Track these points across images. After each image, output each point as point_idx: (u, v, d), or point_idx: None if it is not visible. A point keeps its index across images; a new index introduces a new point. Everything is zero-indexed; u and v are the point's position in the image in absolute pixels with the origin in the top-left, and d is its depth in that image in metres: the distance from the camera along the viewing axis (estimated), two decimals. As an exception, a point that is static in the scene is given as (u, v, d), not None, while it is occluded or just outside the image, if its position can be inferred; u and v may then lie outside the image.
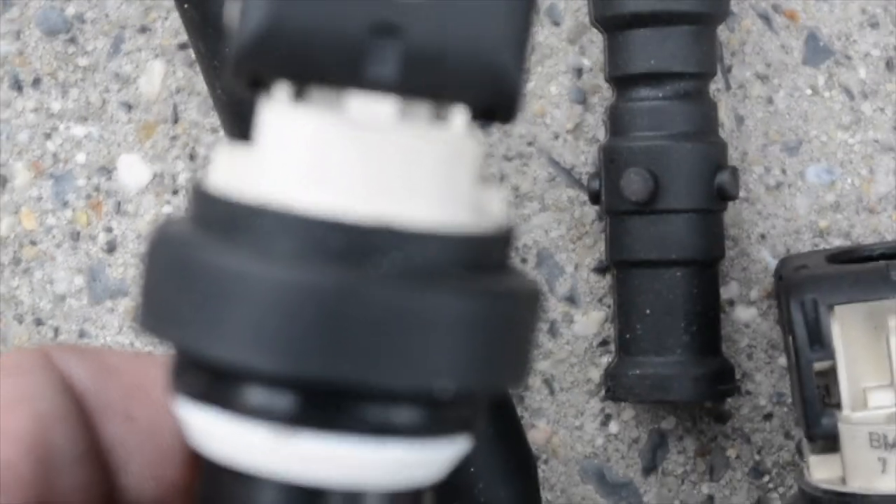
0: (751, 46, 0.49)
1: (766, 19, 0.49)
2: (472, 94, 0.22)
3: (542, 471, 0.49)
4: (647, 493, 0.49)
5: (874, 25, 0.49)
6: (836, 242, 0.48)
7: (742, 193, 0.48)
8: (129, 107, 0.50)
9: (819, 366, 0.38)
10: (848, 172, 0.48)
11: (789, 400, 0.48)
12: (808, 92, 0.49)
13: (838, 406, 0.38)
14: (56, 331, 0.50)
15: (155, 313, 0.22)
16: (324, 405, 0.21)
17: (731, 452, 0.48)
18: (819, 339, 0.38)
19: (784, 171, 0.49)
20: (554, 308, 0.49)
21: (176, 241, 0.22)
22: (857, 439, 0.37)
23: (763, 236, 0.49)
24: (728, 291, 0.48)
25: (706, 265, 0.46)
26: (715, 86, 0.48)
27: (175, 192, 0.50)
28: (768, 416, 0.48)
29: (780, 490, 0.48)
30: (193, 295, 0.21)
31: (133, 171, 0.50)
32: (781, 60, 0.49)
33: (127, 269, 0.50)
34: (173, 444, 0.25)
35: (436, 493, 0.23)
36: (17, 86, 0.50)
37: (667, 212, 0.45)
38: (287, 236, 0.21)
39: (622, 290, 0.46)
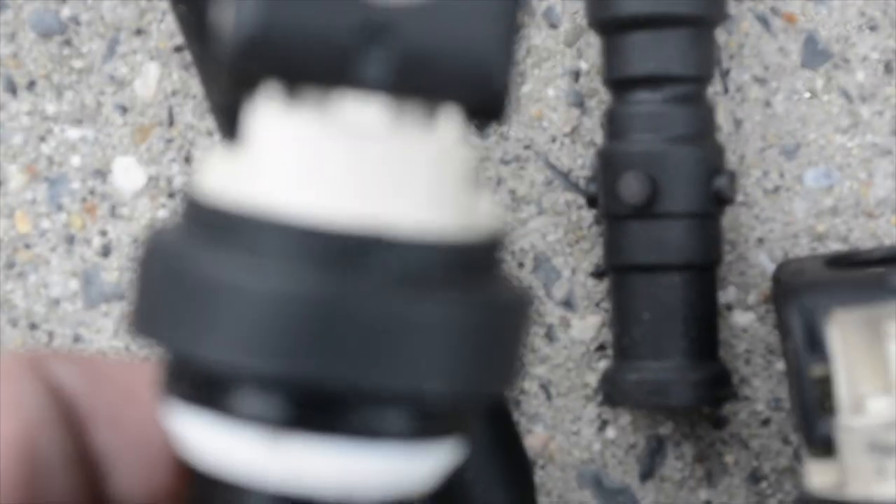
0: (749, 49, 0.49)
1: (764, 22, 0.49)
2: (463, 95, 0.22)
3: (539, 476, 0.48)
4: (644, 498, 0.48)
5: (873, 28, 0.48)
6: (835, 247, 0.48)
7: (740, 197, 0.48)
8: (124, 109, 0.50)
9: (817, 371, 0.38)
10: (846, 176, 0.48)
11: (787, 405, 0.48)
12: (807, 95, 0.48)
13: (836, 412, 0.38)
14: (50, 335, 0.49)
15: (147, 317, 0.22)
16: (314, 409, 0.21)
17: (729, 458, 0.48)
18: (817, 345, 0.38)
19: (782, 175, 0.48)
20: (551, 312, 0.49)
21: (167, 246, 0.22)
22: (855, 445, 0.37)
23: (761, 240, 0.48)
24: (726, 296, 0.48)
25: (704, 269, 0.46)
26: (713, 89, 0.48)
27: (170, 196, 0.49)
28: (766, 422, 0.48)
29: (778, 496, 0.48)
30: (185, 300, 0.21)
31: (128, 175, 0.50)
32: (779, 63, 0.49)
33: (122, 272, 0.49)
34: (163, 450, 0.25)
35: (432, 501, 0.23)
36: (12, 88, 0.50)
37: (664, 216, 0.45)
38: (277, 241, 0.21)
39: (619, 295, 0.46)
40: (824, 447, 0.38)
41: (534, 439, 0.49)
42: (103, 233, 0.50)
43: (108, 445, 0.25)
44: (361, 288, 0.20)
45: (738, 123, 0.49)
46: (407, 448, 0.22)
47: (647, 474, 0.49)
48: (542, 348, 0.49)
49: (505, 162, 0.49)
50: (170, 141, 0.50)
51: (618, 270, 0.46)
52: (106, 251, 0.50)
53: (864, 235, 0.48)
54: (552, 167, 0.49)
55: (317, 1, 0.21)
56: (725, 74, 0.49)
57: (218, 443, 0.22)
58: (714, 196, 0.45)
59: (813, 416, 0.38)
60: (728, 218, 0.48)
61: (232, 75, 0.21)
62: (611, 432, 0.48)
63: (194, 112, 0.49)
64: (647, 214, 0.44)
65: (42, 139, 0.50)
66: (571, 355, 0.49)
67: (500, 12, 0.21)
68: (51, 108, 0.50)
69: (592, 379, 0.48)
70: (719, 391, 0.45)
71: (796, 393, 0.39)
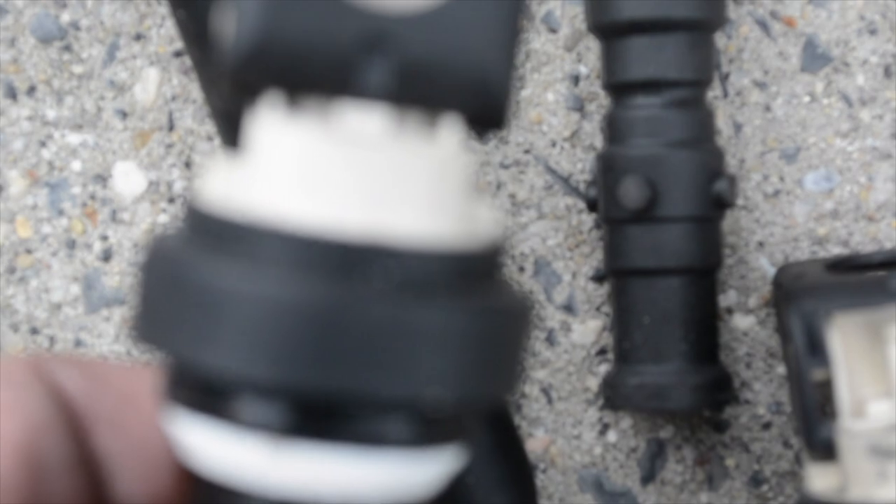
0: (748, 53, 0.49)
1: (763, 26, 0.49)
2: (463, 104, 0.22)
3: (541, 480, 0.48)
4: (645, 502, 0.48)
5: (872, 32, 0.48)
6: (835, 250, 0.48)
7: (740, 201, 0.48)
8: (124, 114, 0.50)
9: (818, 375, 0.38)
10: (846, 180, 0.48)
11: (788, 409, 0.48)
12: (807, 99, 0.48)
13: (837, 415, 0.38)
14: (52, 340, 0.49)
15: (150, 324, 0.22)
16: (316, 417, 0.21)
17: (730, 461, 0.48)
18: (817, 349, 0.38)
19: (782, 179, 0.48)
20: (551, 317, 0.49)
21: (169, 253, 0.22)
22: (856, 448, 0.37)
23: (761, 244, 0.48)
24: (726, 299, 0.48)
25: (704, 273, 0.46)
26: (712, 93, 0.48)
27: (171, 201, 0.49)
28: (767, 425, 0.48)
29: (780, 499, 0.48)
30: (187, 307, 0.21)
31: (129, 180, 0.50)
32: (779, 67, 0.49)
33: (123, 277, 0.49)
34: (165, 453, 0.25)
35: None
36: (12, 94, 0.50)
37: (664, 220, 0.45)
38: (278, 250, 0.21)
39: (620, 299, 0.46)
40: (825, 451, 0.38)
41: (535, 443, 0.49)
42: (104, 237, 0.50)
43: (110, 449, 0.25)
44: (363, 296, 0.21)
45: (737, 127, 0.49)
46: (409, 455, 0.22)
47: (648, 478, 0.49)
48: (543, 352, 0.49)
49: (505, 166, 0.49)
50: (170, 146, 0.50)
51: (618, 275, 0.46)
52: (107, 256, 0.50)
53: (865, 239, 0.48)
54: (552, 171, 0.49)
55: (317, 10, 0.21)
56: (725, 78, 0.49)
57: (220, 449, 0.22)
58: (714, 200, 0.45)
59: (814, 419, 0.38)
60: (728, 222, 0.48)
61: (234, 84, 0.22)
62: (612, 436, 0.49)
63: (194, 117, 0.49)
64: (646, 219, 0.44)
65: (42, 144, 0.50)
66: (572, 359, 0.49)
67: (500, 21, 0.22)
68: (51, 114, 0.50)
69: (593, 383, 0.48)
70: (720, 395, 0.45)
71: (797, 396, 0.39)
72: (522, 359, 0.22)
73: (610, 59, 0.46)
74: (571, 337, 0.49)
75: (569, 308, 0.49)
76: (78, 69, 0.50)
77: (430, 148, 0.21)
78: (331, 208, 0.21)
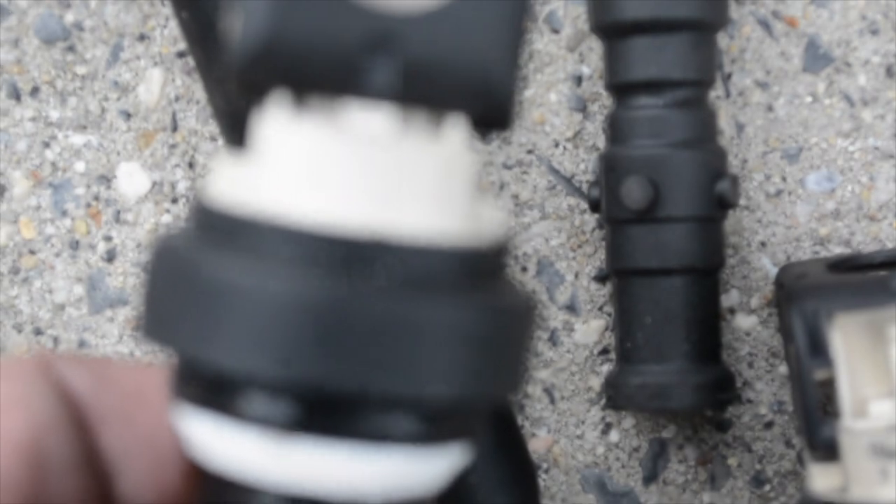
0: (750, 53, 0.49)
1: (765, 26, 0.49)
2: (468, 104, 0.22)
3: (543, 480, 0.49)
4: (647, 501, 0.48)
5: (874, 32, 0.49)
6: (837, 250, 0.48)
7: (742, 201, 0.48)
8: (127, 115, 0.50)
9: (819, 375, 0.38)
10: (848, 180, 0.48)
11: (790, 408, 0.48)
12: (808, 99, 0.49)
13: (839, 415, 0.38)
14: (55, 340, 0.50)
15: (156, 321, 0.22)
16: (321, 413, 0.21)
17: (732, 461, 0.48)
18: (819, 348, 0.38)
19: (784, 179, 0.49)
20: (554, 317, 0.49)
21: (176, 250, 0.22)
22: (857, 448, 0.37)
23: (763, 244, 0.48)
24: (728, 299, 0.48)
25: (706, 273, 0.46)
26: (715, 93, 0.48)
27: (174, 201, 0.50)
28: (769, 425, 0.48)
29: (782, 499, 0.48)
30: (194, 304, 0.21)
31: (132, 180, 0.50)
32: (781, 67, 0.49)
33: (127, 277, 0.50)
34: (172, 451, 0.25)
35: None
36: (16, 94, 0.50)
37: (667, 220, 0.45)
38: (284, 246, 0.21)
39: (622, 299, 0.46)
40: (827, 450, 0.38)
41: (538, 443, 0.49)
42: (108, 238, 0.50)
43: (116, 447, 0.25)
44: (367, 293, 0.21)
45: (740, 127, 0.49)
46: (413, 452, 0.22)
47: (650, 477, 0.49)
48: (546, 352, 0.49)
49: (507, 167, 0.49)
50: (173, 146, 0.50)
51: (620, 275, 0.46)
52: (110, 256, 0.50)
53: (867, 239, 0.48)
54: (555, 172, 0.49)
55: (323, 10, 0.21)
56: (727, 79, 0.49)
57: (226, 444, 0.22)
58: (716, 200, 0.45)
59: (815, 419, 0.38)
60: (730, 222, 0.48)
61: (240, 83, 0.22)
62: (614, 436, 0.49)
63: (198, 117, 0.50)
64: (649, 219, 0.45)
65: (46, 145, 0.50)
66: (575, 359, 0.49)
67: (504, 21, 0.22)
68: (55, 114, 0.50)
69: (596, 383, 0.49)
70: (722, 394, 0.45)
71: (799, 396, 0.39)
72: (526, 358, 0.23)
73: (612, 60, 0.46)
74: (574, 337, 0.49)
75: (571, 308, 0.49)
76: (81, 70, 0.50)
77: (434, 147, 0.22)
78: (335, 205, 0.21)
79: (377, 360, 0.21)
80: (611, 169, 0.45)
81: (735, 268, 0.48)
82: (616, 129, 0.46)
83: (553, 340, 0.49)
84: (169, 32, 0.50)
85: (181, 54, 0.49)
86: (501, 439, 0.46)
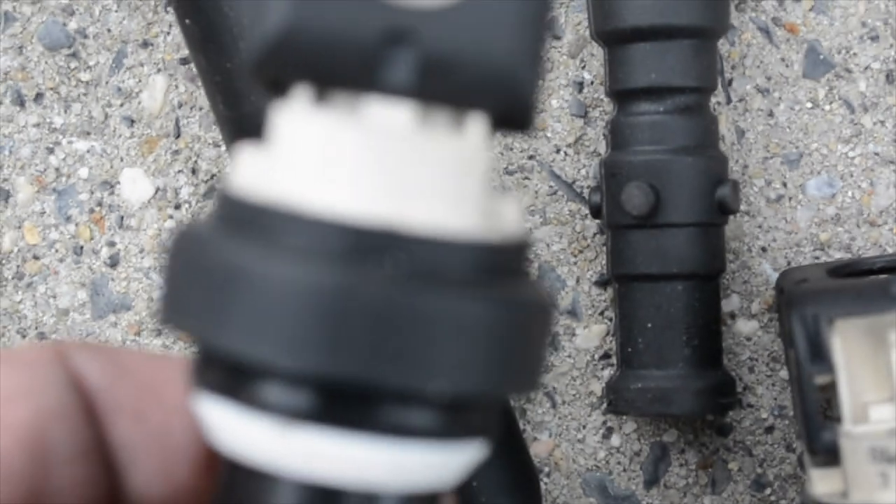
0: (751, 60, 0.49)
1: (766, 32, 0.49)
2: (488, 102, 0.22)
3: (545, 484, 0.49)
4: (649, 505, 0.49)
5: (874, 38, 0.49)
6: (837, 255, 0.48)
7: (743, 206, 0.48)
8: (131, 121, 0.50)
9: (820, 379, 0.38)
10: (848, 185, 0.49)
11: (791, 413, 0.48)
12: (809, 105, 0.49)
13: (839, 420, 0.38)
14: (59, 345, 0.50)
15: (174, 307, 0.22)
16: (337, 403, 0.21)
17: (733, 465, 0.49)
18: (820, 353, 0.38)
19: (785, 184, 0.49)
20: (556, 321, 0.49)
21: (196, 237, 0.22)
22: (858, 453, 0.37)
23: (764, 249, 0.49)
24: (729, 304, 0.48)
25: (707, 278, 0.46)
26: (715, 99, 0.48)
27: (177, 207, 0.50)
28: (770, 429, 0.48)
29: (782, 503, 0.48)
30: (211, 290, 0.21)
31: (135, 186, 0.50)
32: (782, 73, 0.49)
33: (130, 283, 0.50)
34: (184, 445, 0.25)
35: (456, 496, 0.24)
36: (20, 101, 0.50)
37: (668, 226, 0.45)
38: (303, 236, 0.21)
39: (623, 304, 0.46)
40: (827, 455, 0.38)
41: (539, 447, 0.49)
42: (111, 243, 0.50)
43: (128, 438, 0.25)
44: (385, 284, 0.21)
45: (740, 133, 0.49)
46: (432, 445, 0.22)
47: (651, 481, 0.49)
48: (548, 357, 0.49)
49: (509, 172, 0.49)
50: (177, 152, 0.50)
51: (621, 280, 0.46)
52: (114, 262, 0.50)
53: (867, 244, 0.48)
54: (556, 177, 0.49)
55: (342, 4, 0.21)
56: (728, 85, 0.49)
57: (244, 431, 0.22)
58: (717, 206, 0.45)
59: (816, 424, 0.38)
60: (731, 227, 0.48)
61: (261, 77, 0.22)
62: (615, 440, 0.49)
63: (201, 124, 0.50)
64: (650, 224, 0.45)
65: (50, 151, 0.50)
66: (576, 364, 0.49)
67: (525, 19, 0.22)
68: (58, 121, 0.50)
69: (597, 387, 0.49)
70: (723, 399, 0.46)
71: (799, 401, 0.39)
72: (543, 355, 0.23)
73: (613, 66, 0.46)
74: (575, 342, 0.49)
75: (573, 313, 0.49)
76: (85, 76, 0.50)
77: (454, 143, 0.22)
78: (353, 197, 0.21)
79: (393, 352, 0.21)
80: (612, 175, 0.45)
81: (736, 273, 0.49)
82: (617, 135, 0.46)
83: (554, 345, 0.49)
84: (172, 39, 0.50)
85: (184, 61, 0.50)
86: (504, 443, 0.46)
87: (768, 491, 0.48)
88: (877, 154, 0.49)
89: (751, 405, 0.48)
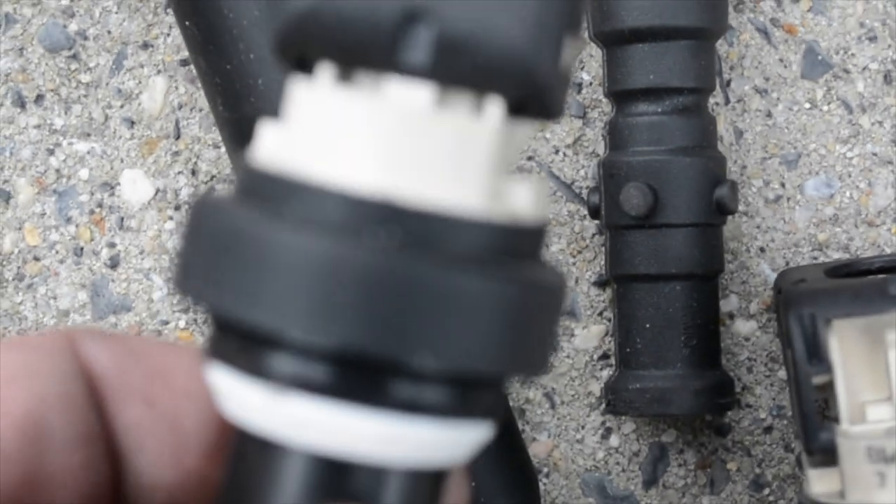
0: (749, 60, 0.49)
1: (764, 33, 0.49)
2: (504, 85, 0.22)
3: (544, 484, 0.49)
4: (647, 505, 0.49)
5: (872, 39, 0.49)
6: (836, 255, 0.48)
7: (741, 207, 0.48)
8: (131, 123, 0.50)
9: (818, 380, 0.38)
10: (847, 186, 0.49)
11: (789, 413, 0.48)
12: (807, 105, 0.49)
13: (837, 420, 0.38)
14: (59, 346, 0.50)
15: (192, 276, 0.22)
16: (352, 377, 0.22)
17: (732, 465, 0.49)
18: (817, 353, 0.38)
19: (783, 185, 0.49)
20: (566, 307, 0.49)
21: (212, 205, 0.22)
22: (855, 453, 0.37)
23: (762, 249, 0.49)
24: (728, 304, 0.49)
25: (705, 279, 0.46)
26: (714, 100, 0.48)
27: (177, 208, 0.50)
28: (769, 429, 0.49)
29: (781, 503, 0.48)
30: (219, 257, 0.22)
31: (136, 187, 0.50)
32: (780, 74, 0.49)
33: (130, 284, 0.50)
34: (193, 431, 0.25)
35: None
36: (20, 102, 0.50)
37: (666, 226, 0.45)
38: (309, 206, 0.22)
39: (622, 304, 0.46)
40: (825, 455, 0.38)
41: (538, 447, 0.49)
42: (111, 245, 0.50)
43: (137, 424, 0.25)
44: (383, 256, 0.21)
45: (739, 134, 0.49)
46: (442, 423, 0.22)
47: (650, 482, 0.49)
48: (557, 341, 0.49)
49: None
50: (177, 154, 0.50)
51: (620, 280, 0.46)
52: (114, 263, 0.50)
53: (865, 244, 0.48)
54: (555, 178, 0.49)
55: None
56: (726, 85, 0.49)
57: (254, 400, 0.22)
58: (715, 206, 0.45)
59: (813, 424, 0.38)
60: (730, 227, 0.48)
61: (286, 55, 0.22)
62: (614, 440, 0.49)
63: (201, 125, 0.50)
64: (648, 225, 0.45)
65: (50, 152, 0.50)
66: (575, 364, 0.49)
67: (546, 4, 0.22)
68: (59, 122, 0.50)
69: (596, 388, 0.49)
70: (721, 399, 0.46)
71: (797, 401, 0.39)
72: (549, 337, 0.23)
73: (612, 67, 0.46)
74: (574, 342, 0.49)
75: (572, 313, 0.49)
76: (85, 78, 0.50)
77: (469, 125, 0.22)
78: (361, 169, 0.21)
79: (409, 328, 0.21)
80: (610, 175, 0.46)
81: (734, 273, 0.49)
82: (615, 136, 0.46)
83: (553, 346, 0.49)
84: (172, 41, 0.50)
85: (184, 62, 0.50)
86: (503, 444, 0.46)
87: (767, 491, 0.49)
88: (875, 154, 0.49)
89: (749, 405, 0.49)
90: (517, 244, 0.22)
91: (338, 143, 0.22)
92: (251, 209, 0.22)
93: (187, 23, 0.46)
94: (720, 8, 0.46)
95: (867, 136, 0.49)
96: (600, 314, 0.49)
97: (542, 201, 0.23)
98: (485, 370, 0.22)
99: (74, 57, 0.50)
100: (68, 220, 0.50)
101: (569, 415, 0.49)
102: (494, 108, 0.22)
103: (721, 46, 0.49)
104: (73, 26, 0.50)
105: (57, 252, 0.50)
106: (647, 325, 0.45)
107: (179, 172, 0.50)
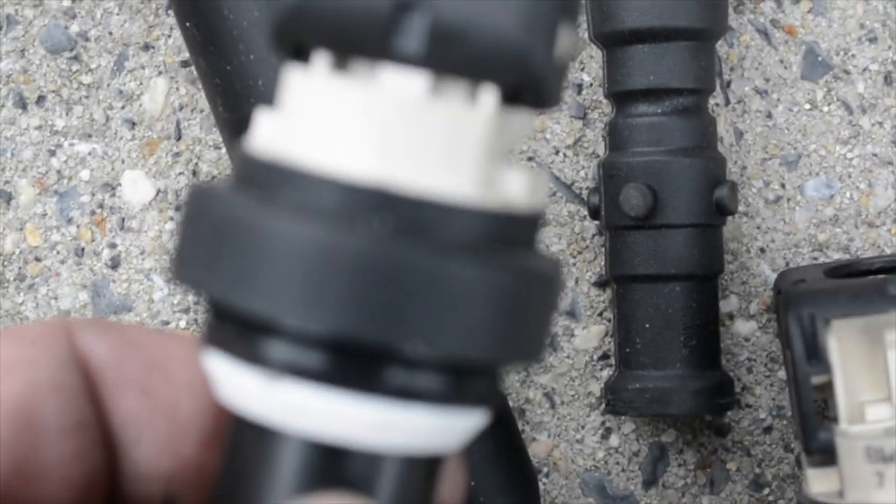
0: (750, 61, 0.49)
1: (764, 34, 0.49)
2: (497, 74, 0.22)
3: (544, 484, 0.49)
4: (647, 506, 0.49)
5: (872, 40, 0.49)
6: (836, 256, 0.48)
7: (741, 207, 0.48)
8: (132, 124, 0.50)
9: (817, 380, 0.38)
10: (847, 186, 0.49)
11: (789, 413, 0.48)
12: (807, 106, 0.49)
13: (836, 420, 0.38)
14: (61, 346, 0.50)
15: (188, 263, 0.23)
16: (347, 364, 0.22)
17: (732, 465, 0.49)
18: (816, 354, 0.38)
19: (783, 186, 0.49)
20: (554, 322, 0.49)
21: (212, 195, 0.22)
22: (854, 453, 0.37)
23: (762, 250, 0.49)
24: (728, 305, 0.49)
25: (705, 279, 0.46)
26: (714, 100, 0.48)
27: (178, 209, 0.50)
28: (768, 430, 0.49)
29: (781, 503, 0.48)
30: (225, 247, 0.22)
31: (137, 188, 0.50)
32: (780, 75, 0.49)
33: (131, 284, 0.50)
34: (191, 420, 0.25)
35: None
36: (22, 103, 0.50)
37: (666, 227, 0.45)
38: (300, 193, 0.22)
39: (622, 305, 0.46)
40: (824, 455, 0.38)
41: (538, 447, 0.49)
42: (112, 245, 0.50)
43: (135, 413, 0.25)
44: (373, 242, 0.21)
45: (739, 135, 0.49)
46: (437, 410, 0.22)
47: (650, 482, 0.49)
48: (547, 357, 0.49)
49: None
50: (177, 155, 0.50)
51: (620, 281, 0.46)
52: (115, 263, 0.50)
53: (865, 245, 0.48)
54: (555, 179, 0.49)
55: None
56: (727, 86, 0.49)
57: (252, 388, 0.22)
58: (715, 207, 0.45)
59: (812, 424, 0.38)
60: (730, 228, 0.48)
61: (283, 44, 0.23)
62: (614, 440, 0.49)
63: (201, 126, 0.50)
64: (648, 226, 0.45)
65: (52, 153, 0.50)
66: (575, 364, 0.49)
67: None
68: (60, 123, 0.50)
69: (596, 388, 0.49)
70: (721, 399, 0.46)
71: (796, 401, 0.39)
72: (549, 324, 0.23)
73: (612, 68, 0.46)
74: (574, 342, 0.49)
75: (572, 314, 0.49)
76: (87, 79, 0.50)
77: (463, 113, 0.22)
78: (353, 156, 0.22)
79: (405, 316, 0.21)
80: (610, 176, 0.46)
81: (734, 274, 0.49)
82: (615, 137, 0.46)
83: (553, 346, 0.49)
84: (173, 42, 0.50)
85: (185, 63, 0.50)
86: (502, 444, 0.46)
87: (766, 491, 0.49)
88: (875, 155, 0.49)
89: (749, 405, 0.49)
90: (510, 232, 0.22)
91: (333, 131, 0.22)
92: (246, 197, 0.22)
93: (187, 24, 0.46)
94: (720, 9, 0.46)
95: (867, 137, 0.49)
96: (600, 314, 0.49)
97: (537, 190, 0.23)
98: (477, 357, 0.22)
99: (76, 58, 0.50)
100: (69, 221, 0.50)
101: (569, 415, 0.49)
102: (488, 96, 0.22)
103: (721, 47, 0.49)
104: (74, 27, 0.50)
105: (58, 252, 0.50)
106: (647, 326, 0.45)
107: (180, 173, 0.50)
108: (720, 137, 0.48)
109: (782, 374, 0.48)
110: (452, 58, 0.22)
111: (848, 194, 0.49)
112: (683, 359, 0.45)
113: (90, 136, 0.50)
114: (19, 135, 0.50)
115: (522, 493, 0.46)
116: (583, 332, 0.49)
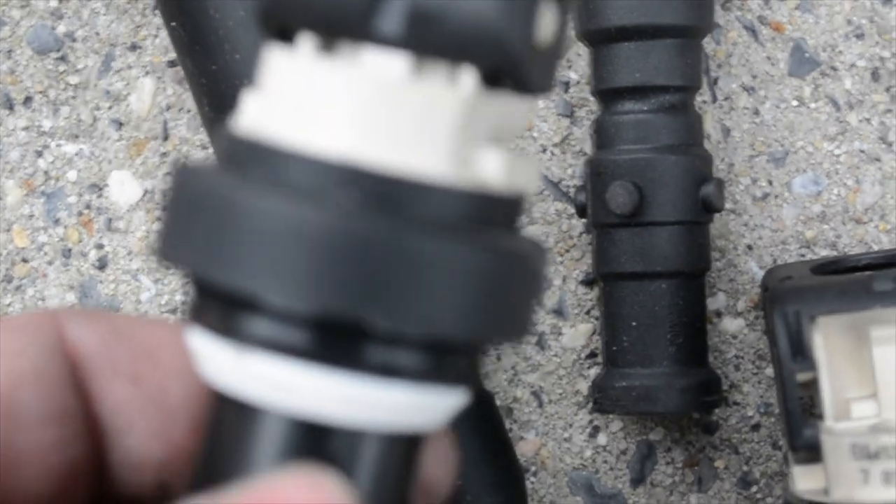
0: (737, 58, 0.49)
1: (751, 31, 0.49)
2: (477, 55, 0.22)
3: (531, 483, 0.49)
4: (635, 504, 0.49)
5: (860, 36, 0.49)
6: (823, 253, 0.48)
7: (729, 204, 0.48)
8: (119, 124, 0.50)
9: (802, 377, 0.38)
10: (834, 183, 0.49)
11: (777, 410, 0.48)
12: (794, 103, 0.49)
13: (821, 417, 0.38)
14: (49, 347, 0.50)
15: (170, 241, 0.23)
16: (329, 341, 0.22)
17: (720, 463, 0.49)
18: (802, 351, 0.38)
19: (770, 182, 0.49)
20: (542, 321, 0.49)
21: (194, 173, 0.23)
22: (839, 450, 0.37)
23: (750, 247, 0.49)
24: (715, 302, 0.49)
25: (692, 277, 0.46)
26: (701, 98, 0.48)
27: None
28: (756, 427, 0.49)
29: (769, 500, 0.48)
30: (205, 224, 0.22)
31: (124, 188, 0.50)
32: (767, 72, 0.49)
33: (118, 285, 0.50)
34: (181, 407, 0.25)
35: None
36: (9, 104, 0.50)
37: (652, 224, 0.45)
38: (275, 170, 0.22)
39: (609, 303, 0.46)
40: (809, 452, 0.38)
41: (526, 446, 0.49)
42: (99, 246, 0.50)
43: (125, 401, 0.25)
44: (343, 218, 0.21)
45: (726, 132, 0.49)
46: (418, 388, 0.22)
47: (638, 480, 0.49)
48: (534, 356, 0.49)
49: (496, 172, 0.49)
50: (164, 155, 0.50)
51: (607, 279, 0.46)
52: (102, 264, 0.50)
53: (852, 241, 0.48)
54: (542, 177, 0.49)
55: None
56: (714, 83, 0.49)
57: (234, 365, 0.23)
58: (701, 204, 0.45)
59: (798, 421, 0.38)
60: (717, 225, 0.48)
61: (269, 26, 0.23)
62: (602, 438, 0.49)
63: (188, 126, 0.50)
64: (634, 223, 0.45)
65: (39, 154, 0.50)
66: (563, 363, 0.49)
67: None
68: (47, 124, 0.50)
69: (584, 386, 0.49)
70: (708, 397, 0.46)
71: (782, 398, 0.39)
72: (533, 304, 0.23)
73: (598, 66, 0.46)
74: (562, 341, 0.49)
75: (559, 312, 0.49)
76: (74, 79, 0.50)
77: (442, 94, 0.22)
78: (327, 134, 0.22)
79: (386, 292, 0.21)
80: (597, 174, 0.46)
81: (722, 271, 0.49)
82: (602, 135, 0.46)
83: (541, 344, 0.49)
84: (160, 42, 0.50)
85: (172, 63, 0.50)
86: (489, 443, 0.46)
87: (754, 489, 0.49)
88: (862, 151, 0.49)
89: (737, 403, 0.49)
90: (486, 212, 0.23)
91: (314, 111, 0.22)
92: (225, 174, 0.22)
93: (173, 23, 0.46)
94: (706, 6, 0.46)
95: (854, 134, 0.49)
96: (588, 313, 0.49)
97: (519, 173, 0.23)
98: (449, 335, 0.22)
99: (63, 59, 0.50)
100: (56, 222, 0.50)
101: (556, 413, 0.49)
102: (467, 77, 0.22)
103: (708, 44, 0.49)
104: (61, 28, 0.50)
105: (45, 253, 0.50)
106: (634, 324, 0.45)
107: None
108: (707, 134, 0.48)
109: (770, 371, 0.48)
110: (431, 39, 0.22)
111: (835, 191, 0.49)
112: (670, 357, 0.45)
113: (77, 136, 0.50)
114: (6, 136, 0.50)
115: (509, 491, 0.46)
116: (570, 331, 0.49)
